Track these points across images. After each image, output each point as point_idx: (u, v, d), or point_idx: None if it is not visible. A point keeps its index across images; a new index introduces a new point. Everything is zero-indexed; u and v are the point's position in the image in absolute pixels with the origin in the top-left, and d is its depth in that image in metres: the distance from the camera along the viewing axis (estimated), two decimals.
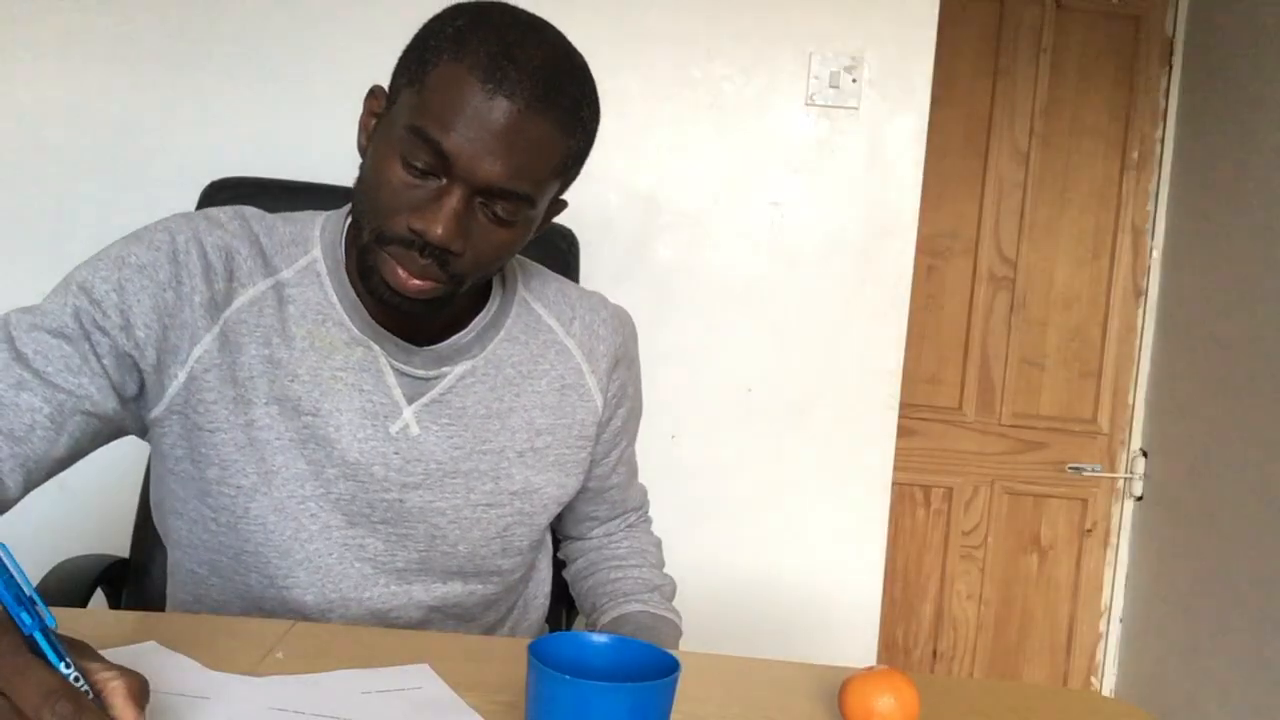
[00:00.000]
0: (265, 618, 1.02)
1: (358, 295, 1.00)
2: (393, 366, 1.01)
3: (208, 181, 1.41)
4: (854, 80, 1.85)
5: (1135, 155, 2.53)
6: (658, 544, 1.29)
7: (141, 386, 0.96)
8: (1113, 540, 2.61)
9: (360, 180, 0.95)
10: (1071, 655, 2.63)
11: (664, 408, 1.89)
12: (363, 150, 0.96)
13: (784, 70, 1.85)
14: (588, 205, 1.86)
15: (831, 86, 1.85)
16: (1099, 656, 2.63)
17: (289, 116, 1.79)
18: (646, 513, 1.31)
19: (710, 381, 1.89)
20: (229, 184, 1.41)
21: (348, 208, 1.03)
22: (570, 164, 0.95)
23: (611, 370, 1.13)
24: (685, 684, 0.75)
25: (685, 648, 1.11)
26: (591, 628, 1.20)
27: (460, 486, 1.04)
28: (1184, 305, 2.44)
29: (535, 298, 1.11)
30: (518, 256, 1.12)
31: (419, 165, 0.88)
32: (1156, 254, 2.55)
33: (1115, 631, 2.61)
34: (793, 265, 1.88)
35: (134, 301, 0.92)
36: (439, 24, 0.92)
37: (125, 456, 1.21)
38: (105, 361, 0.92)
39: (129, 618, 1.05)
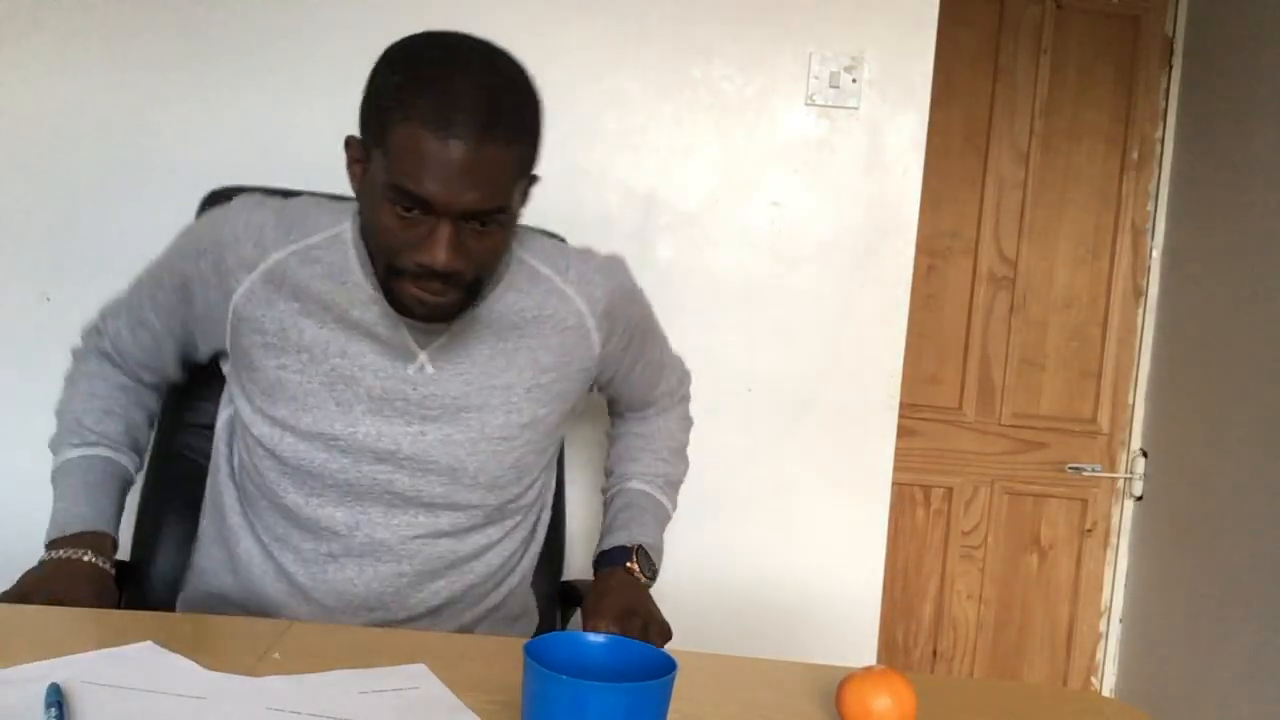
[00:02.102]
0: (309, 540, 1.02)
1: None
2: (407, 322, 1.14)
3: (208, 189, 1.41)
4: (854, 80, 1.85)
5: (1135, 155, 2.53)
6: (684, 425, 1.46)
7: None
8: (1113, 540, 2.61)
9: (363, 225, 1.13)
10: (1071, 655, 2.62)
11: None
12: (357, 193, 1.12)
13: (784, 70, 1.85)
14: (588, 205, 1.86)
15: (831, 86, 1.85)
16: (1099, 656, 2.62)
17: (289, 125, 1.78)
18: (682, 393, 1.46)
19: (710, 381, 1.89)
20: (229, 192, 1.41)
21: None
22: (528, 160, 1.09)
23: (607, 313, 1.25)
24: (682, 684, 0.76)
25: (683, 648, 1.11)
26: (604, 492, 1.40)
27: (474, 420, 1.18)
28: (1184, 305, 2.44)
29: (531, 254, 1.24)
30: None
31: (406, 211, 1.04)
32: (1156, 254, 2.55)
33: (1115, 631, 2.61)
34: (793, 265, 1.88)
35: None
36: (380, 80, 1.06)
37: None
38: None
39: (128, 617, 1.06)
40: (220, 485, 1.25)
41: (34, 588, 1.08)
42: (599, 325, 1.24)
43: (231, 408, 1.25)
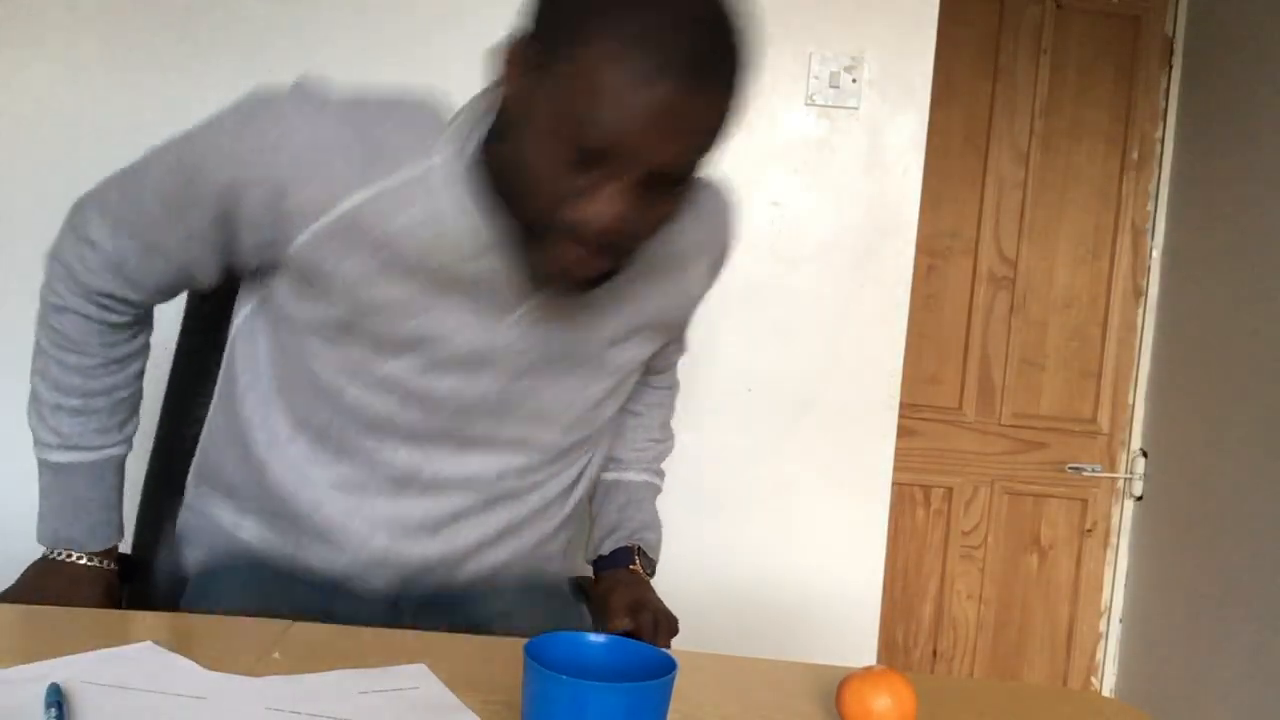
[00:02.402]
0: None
1: (487, 203, 0.93)
2: (511, 278, 0.96)
3: None
4: (854, 80, 1.85)
5: (1135, 155, 2.53)
6: (674, 394, 1.39)
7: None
8: (1113, 540, 2.61)
9: (513, 152, 0.87)
10: (1071, 655, 2.62)
11: None
12: (507, 110, 0.89)
13: (784, 70, 1.85)
14: None
15: (831, 86, 1.85)
16: (1099, 656, 2.62)
17: None
18: (678, 359, 1.36)
19: (710, 381, 1.89)
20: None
21: (480, 106, 0.94)
22: (732, 122, 0.87)
23: (722, 258, 1.14)
24: (682, 683, 0.76)
25: (684, 648, 1.11)
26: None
27: (563, 370, 1.06)
28: (1184, 305, 2.44)
29: None
30: None
31: (575, 156, 0.82)
32: (1156, 254, 2.55)
33: (1115, 631, 2.61)
34: (793, 265, 1.88)
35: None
36: None
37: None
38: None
39: (128, 617, 1.06)
40: (238, 397, 1.08)
41: (32, 592, 1.08)
42: (711, 270, 1.11)
43: (251, 304, 1.08)
